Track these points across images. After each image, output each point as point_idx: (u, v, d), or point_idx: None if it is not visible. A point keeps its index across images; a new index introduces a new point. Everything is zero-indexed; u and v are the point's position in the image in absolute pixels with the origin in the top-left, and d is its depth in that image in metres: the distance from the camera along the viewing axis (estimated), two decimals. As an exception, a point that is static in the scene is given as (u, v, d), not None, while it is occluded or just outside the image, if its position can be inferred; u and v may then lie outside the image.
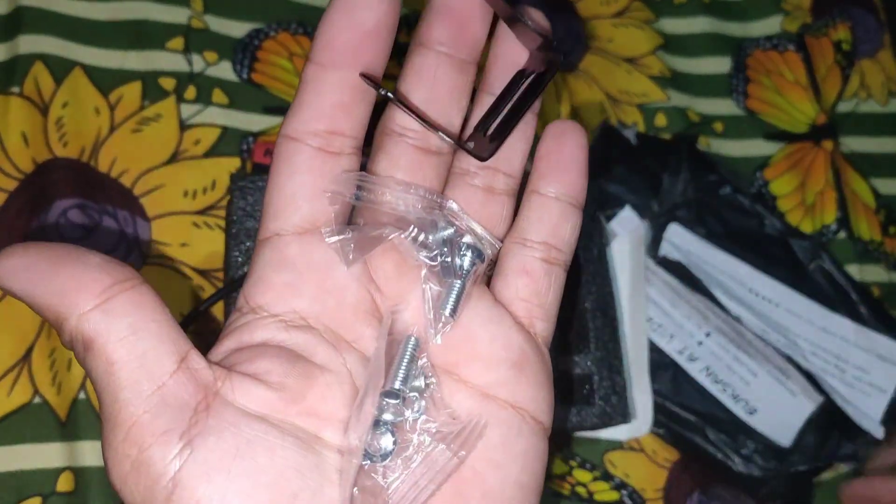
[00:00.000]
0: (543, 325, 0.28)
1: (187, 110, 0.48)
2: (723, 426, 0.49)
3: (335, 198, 0.26)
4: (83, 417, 0.41)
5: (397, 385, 0.25)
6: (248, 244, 0.42)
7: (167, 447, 0.22)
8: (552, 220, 0.28)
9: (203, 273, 0.45)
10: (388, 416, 0.24)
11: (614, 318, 0.45)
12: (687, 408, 0.49)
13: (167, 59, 0.49)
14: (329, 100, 0.26)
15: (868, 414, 0.50)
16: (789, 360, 0.50)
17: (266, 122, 0.49)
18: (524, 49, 0.28)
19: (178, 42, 0.49)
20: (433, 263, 0.26)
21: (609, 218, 0.51)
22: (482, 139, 0.27)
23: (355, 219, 0.27)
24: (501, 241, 0.28)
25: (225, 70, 0.50)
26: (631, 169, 0.53)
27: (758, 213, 0.54)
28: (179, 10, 0.50)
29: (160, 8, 0.50)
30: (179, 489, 0.22)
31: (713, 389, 0.49)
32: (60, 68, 0.46)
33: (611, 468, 0.48)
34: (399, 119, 0.27)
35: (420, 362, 0.25)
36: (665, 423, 0.49)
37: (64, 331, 0.23)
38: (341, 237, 0.25)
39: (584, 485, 0.48)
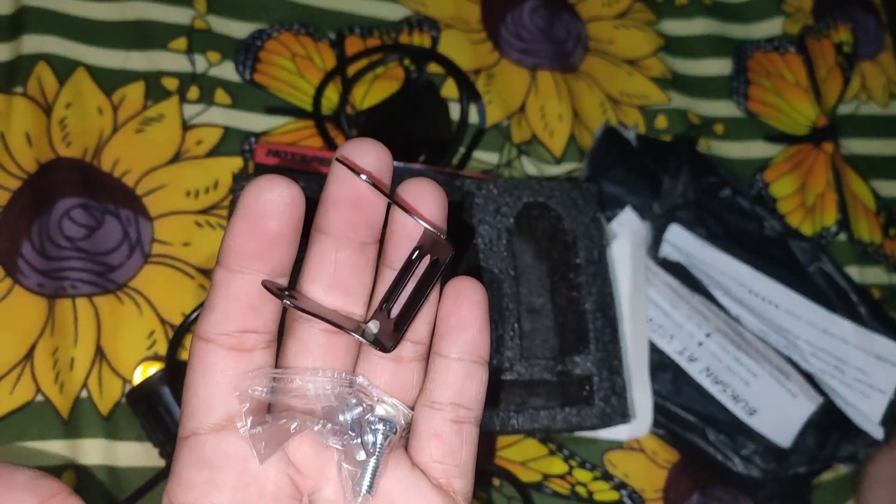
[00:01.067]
0: (461, 483, 0.29)
1: (190, 110, 0.48)
2: (722, 427, 0.49)
3: (244, 396, 0.27)
4: (85, 416, 0.41)
5: None
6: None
7: None
8: (457, 381, 0.29)
9: (205, 272, 0.45)
10: None
11: (614, 319, 0.45)
12: (687, 408, 0.49)
13: (170, 60, 0.49)
14: (238, 303, 0.26)
15: (867, 415, 0.50)
16: (789, 361, 0.50)
17: (268, 122, 0.49)
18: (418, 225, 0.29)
19: (181, 42, 0.50)
20: (346, 445, 0.27)
21: (609, 219, 0.51)
22: (387, 322, 0.28)
23: (271, 409, 0.28)
24: (412, 409, 0.29)
25: (227, 70, 0.50)
26: (631, 170, 0.53)
27: (758, 215, 0.54)
28: (182, 11, 0.50)
29: (163, 8, 0.50)
30: None
31: (713, 390, 0.49)
32: (64, 68, 0.47)
33: (611, 468, 0.48)
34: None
35: None
36: (665, 423, 0.49)
37: None
38: (252, 431, 0.26)
39: (584, 484, 0.48)
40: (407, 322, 0.28)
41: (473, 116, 0.53)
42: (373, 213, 0.27)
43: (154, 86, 0.48)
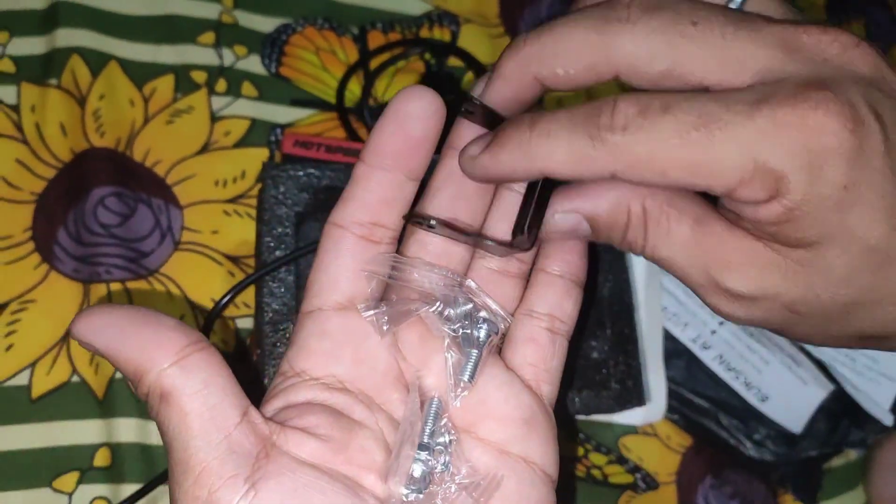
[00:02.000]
0: (549, 388, 0.32)
1: (218, 102, 0.50)
2: (735, 412, 0.50)
3: (371, 276, 0.30)
4: (119, 396, 0.43)
5: (426, 440, 0.28)
6: (279, 230, 0.43)
7: (234, 489, 0.25)
8: (556, 295, 0.32)
9: (233, 259, 0.46)
10: (420, 467, 0.28)
11: (630, 305, 0.46)
12: (700, 394, 0.50)
13: (199, 53, 0.50)
14: (374, 196, 0.30)
15: (877, 402, 0.52)
16: (801, 348, 0.51)
17: (293, 114, 0.51)
18: None
19: (209, 37, 0.51)
20: (455, 334, 0.30)
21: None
22: (520, 234, 0.30)
23: (387, 296, 0.31)
24: (512, 316, 0.32)
25: (254, 64, 0.51)
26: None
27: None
28: (210, 6, 0.52)
29: (192, 4, 0.51)
30: None
31: (726, 377, 0.50)
32: (97, 61, 0.48)
33: (625, 452, 0.50)
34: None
35: (442, 421, 0.29)
36: (679, 409, 0.50)
37: (142, 383, 0.26)
38: (376, 311, 0.29)
39: (599, 467, 0.49)
40: (538, 225, 0.30)
41: (492, 109, 0.54)
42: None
43: (183, 79, 0.50)
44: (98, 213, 0.45)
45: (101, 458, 0.42)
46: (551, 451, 0.30)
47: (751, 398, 0.50)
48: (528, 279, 0.32)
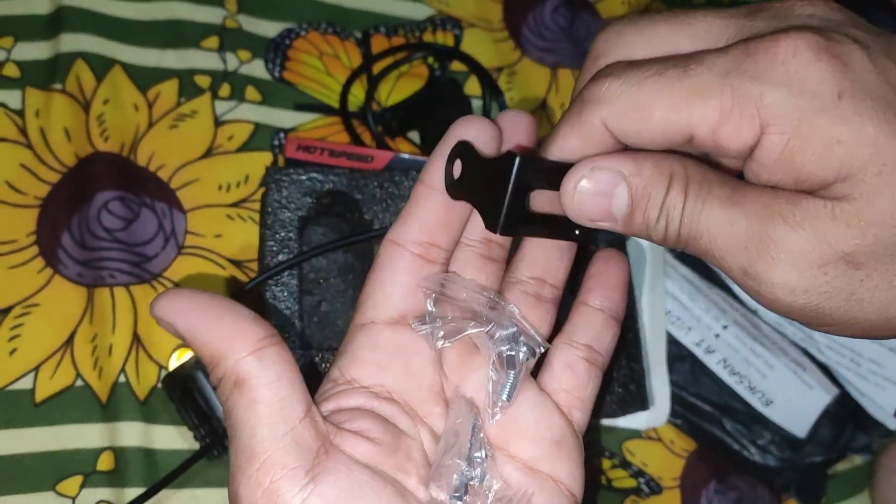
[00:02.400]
0: (580, 416, 0.33)
1: (221, 107, 0.50)
2: (739, 417, 0.50)
3: (427, 293, 0.31)
4: (123, 400, 0.43)
5: (465, 452, 0.29)
6: (282, 234, 0.43)
7: (295, 480, 0.26)
8: (596, 328, 0.34)
9: (236, 263, 0.47)
10: (460, 477, 0.29)
11: (634, 309, 0.46)
12: (704, 399, 0.50)
13: (202, 58, 0.51)
14: (433, 217, 0.31)
15: (882, 406, 0.51)
16: (805, 352, 0.51)
17: (297, 118, 0.51)
18: None
19: (212, 41, 0.51)
20: (499, 355, 0.31)
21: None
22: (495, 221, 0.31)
23: (438, 314, 0.32)
24: (549, 342, 0.33)
25: (258, 68, 0.51)
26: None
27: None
28: (214, 11, 0.52)
29: (196, 8, 0.51)
30: None
31: (730, 381, 0.50)
32: (101, 66, 0.48)
33: (629, 456, 0.50)
34: (466, 232, 0.33)
35: (480, 435, 0.30)
36: (683, 413, 0.50)
37: (218, 368, 0.27)
38: (431, 325, 0.31)
39: (603, 472, 0.49)
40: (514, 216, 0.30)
41: (495, 113, 0.54)
42: None
43: (187, 83, 0.50)
44: (102, 217, 0.45)
45: (105, 462, 0.42)
46: (578, 473, 0.32)
47: (755, 402, 0.50)
48: (558, 304, 0.34)
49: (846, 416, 0.51)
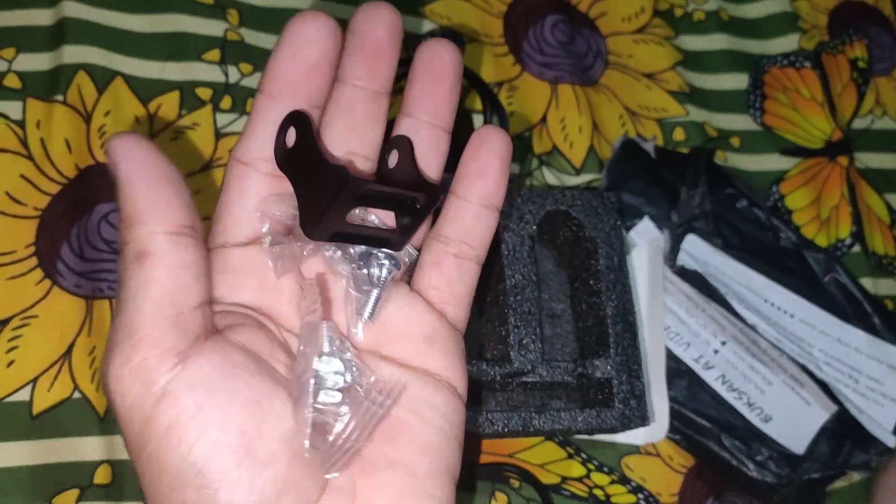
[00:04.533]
0: (455, 310, 0.32)
1: (223, 119, 0.50)
2: (737, 433, 0.50)
3: (265, 216, 0.29)
4: (121, 413, 0.43)
5: (325, 348, 0.28)
6: (281, 248, 0.43)
7: (165, 360, 0.25)
8: (466, 221, 0.32)
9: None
10: (332, 375, 0.28)
11: (634, 324, 0.46)
12: (702, 414, 0.50)
13: (204, 70, 0.51)
14: (276, 128, 0.29)
15: (881, 424, 0.51)
16: (804, 369, 0.51)
17: (297, 131, 0.51)
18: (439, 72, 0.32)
19: (214, 54, 0.51)
20: (353, 275, 0.30)
21: (628, 229, 0.52)
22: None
23: (292, 233, 0.30)
24: (419, 250, 0.32)
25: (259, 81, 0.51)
26: (649, 181, 0.54)
27: (773, 227, 0.55)
28: (216, 24, 0.52)
29: (198, 21, 0.52)
30: (165, 397, 0.25)
31: (728, 397, 0.50)
32: (103, 78, 0.48)
33: (628, 472, 0.49)
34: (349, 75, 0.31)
35: (342, 341, 0.29)
36: (681, 429, 0.50)
37: (129, 231, 0.26)
38: (270, 249, 0.29)
39: (601, 487, 0.49)
40: (417, 226, 0.30)
41: (496, 128, 0.55)
42: (386, 66, 0.30)
43: (189, 95, 0.50)
44: (102, 228, 0.45)
45: (102, 476, 0.41)
46: (455, 364, 0.31)
47: (753, 418, 0.50)
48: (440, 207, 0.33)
49: (845, 433, 0.50)
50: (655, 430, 0.49)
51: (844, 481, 0.52)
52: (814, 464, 0.50)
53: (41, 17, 0.49)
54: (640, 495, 0.49)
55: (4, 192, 0.45)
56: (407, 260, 0.31)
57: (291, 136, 0.29)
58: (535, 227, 0.46)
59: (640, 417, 0.44)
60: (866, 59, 0.64)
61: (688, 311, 0.51)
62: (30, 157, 0.46)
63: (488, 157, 0.32)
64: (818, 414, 0.50)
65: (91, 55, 0.49)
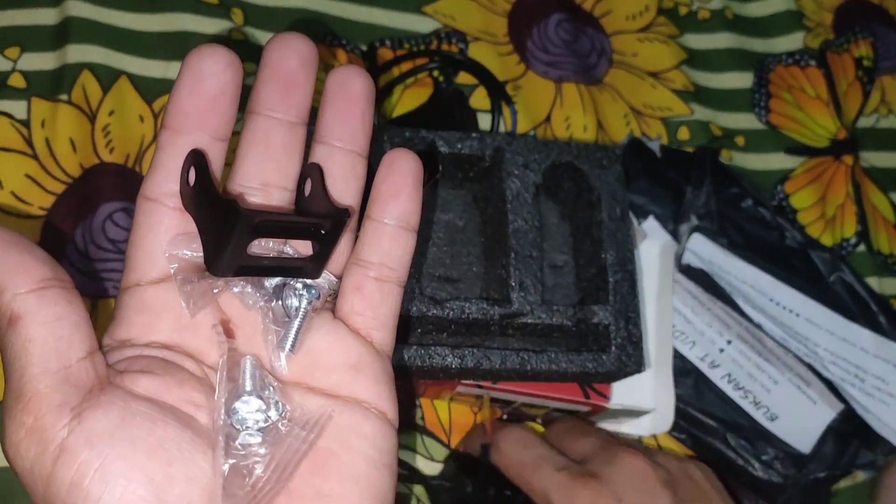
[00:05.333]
0: (380, 335, 0.32)
1: (227, 119, 0.50)
2: (743, 432, 0.50)
3: (174, 257, 0.29)
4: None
5: (248, 387, 0.28)
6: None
7: (59, 417, 0.25)
8: (384, 243, 0.31)
9: (241, 275, 0.46)
10: (253, 415, 0.28)
11: (633, 273, 0.46)
12: (708, 414, 0.50)
13: (208, 70, 0.50)
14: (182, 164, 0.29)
15: (887, 423, 0.51)
16: (810, 368, 0.51)
17: (302, 130, 0.51)
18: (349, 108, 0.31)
19: (218, 53, 0.51)
20: (270, 309, 0.30)
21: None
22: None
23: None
24: (339, 277, 0.32)
25: (263, 80, 0.51)
26: (655, 181, 0.54)
27: (779, 226, 0.55)
28: (221, 23, 0.52)
29: (202, 20, 0.52)
30: (64, 454, 0.25)
31: (734, 396, 0.50)
32: (107, 77, 0.48)
33: (633, 472, 0.49)
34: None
35: (264, 377, 0.29)
36: (686, 428, 0.50)
37: None
38: (181, 289, 0.28)
39: (606, 487, 0.49)
40: (329, 252, 0.30)
41: (503, 127, 0.55)
42: (301, 96, 0.30)
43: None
44: (106, 228, 0.45)
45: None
46: (383, 391, 0.31)
47: (759, 417, 0.50)
48: (356, 231, 0.32)
49: (851, 432, 0.50)
50: (661, 422, 0.49)
51: (850, 480, 0.52)
52: (820, 463, 0.50)
53: (45, 17, 0.49)
54: (646, 495, 0.49)
55: (9, 192, 0.45)
56: (326, 287, 0.31)
57: (192, 176, 0.28)
58: (540, 176, 0.45)
59: (637, 363, 0.44)
60: (871, 57, 0.64)
61: (693, 309, 0.51)
62: (34, 157, 0.46)
63: (401, 177, 0.31)
64: (824, 413, 0.50)
65: (95, 54, 0.49)
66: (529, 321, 0.43)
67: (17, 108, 0.47)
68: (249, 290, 0.29)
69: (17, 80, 0.47)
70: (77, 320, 0.26)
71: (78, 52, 0.48)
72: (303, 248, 0.31)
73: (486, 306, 0.43)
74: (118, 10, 0.50)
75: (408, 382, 0.45)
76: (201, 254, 0.29)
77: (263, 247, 0.30)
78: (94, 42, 0.49)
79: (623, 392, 0.47)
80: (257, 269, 0.29)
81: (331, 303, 0.32)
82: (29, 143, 0.46)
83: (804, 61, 0.63)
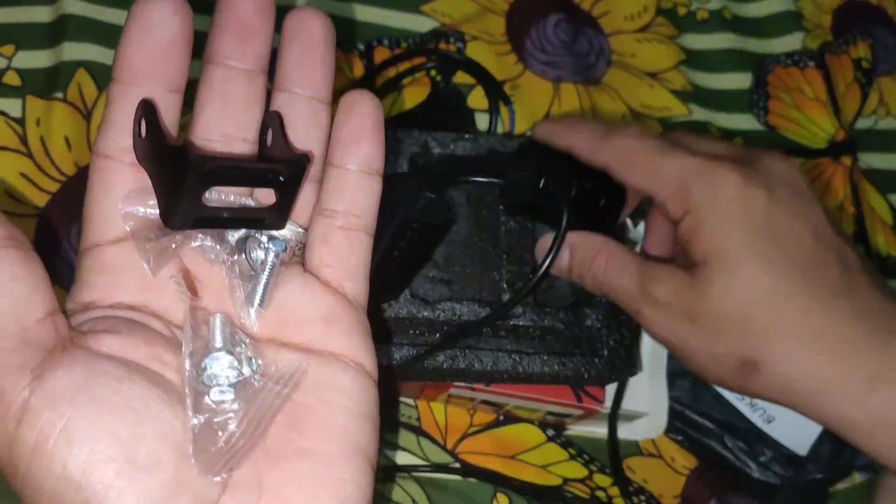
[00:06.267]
0: (353, 285, 0.30)
1: (223, 117, 0.49)
2: (740, 434, 0.50)
3: (129, 215, 0.28)
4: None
5: (218, 344, 0.27)
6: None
7: (19, 379, 0.24)
8: (348, 190, 0.30)
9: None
10: (225, 371, 0.27)
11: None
12: (705, 415, 0.50)
13: (205, 68, 0.50)
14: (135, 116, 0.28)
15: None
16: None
17: (299, 129, 0.51)
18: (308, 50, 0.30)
19: (215, 51, 0.51)
20: (234, 263, 0.28)
21: (635, 224, 0.52)
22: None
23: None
24: (305, 228, 0.31)
25: (260, 79, 0.51)
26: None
27: (777, 227, 0.55)
28: (217, 21, 0.51)
29: (199, 19, 0.51)
30: (26, 416, 0.24)
31: (731, 397, 0.50)
32: (103, 75, 0.48)
33: (629, 474, 0.49)
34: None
35: (234, 333, 0.28)
36: (683, 430, 0.50)
37: None
38: (140, 248, 0.27)
39: (603, 489, 0.49)
40: (291, 201, 0.29)
41: (501, 126, 0.54)
42: (259, 43, 0.29)
43: (189, 94, 0.49)
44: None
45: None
46: (359, 342, 0.30)
47: (756, 419, 0.50)
48: (320, 179, 0.31)
49: (848, 434, 0.50)
50: (654, 426, 0.49)
51: (847, 482, 0.52)
52: (817, 465, 0.50)
53: (41, 14, 0.49)
54: (642, 497, 0.49)
55: (4, 191, 0.45)
56: (293, 239, 0.30)
57: (144, 128, 0.27)
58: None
59: (629, 366, 0.44)
60: (870, 58, 0.64)
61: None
62: (29, 155, 0.46)
63: (359, 119, 0.30)
64: (821, 415, 0.50)
65: (91, 52, 0.48)
66: (522, 323, 0.43)
67: (12, 106, 0.47)
68: (209, 243, 0.28)
69: (11, 78, 0.47)
70: (34, 281, 0.25)
71: (73, 50, 0.48)
72: (266, 199, 0.29)
73: (478, 308, 0.42)
74: (113, 7, 0.50)
75: (390, 382, 0.44)
76: (157, 210, 0.27)
77: (224, 201, 0.28)
78: (89, 40, 0.49)
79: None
80: (215, 220, 0.28)
81: (300, 256, 0.31)
82: (24, 141, 0.46)
83: (803, 62, 0.63)
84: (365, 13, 0.55)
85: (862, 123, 0.63)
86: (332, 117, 0.31)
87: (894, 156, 0.63)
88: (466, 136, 0.45)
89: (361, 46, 0.54)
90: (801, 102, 0.62)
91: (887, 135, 0.63)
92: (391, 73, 0.54)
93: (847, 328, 0.35)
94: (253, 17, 0.29)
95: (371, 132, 0.30)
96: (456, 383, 0.44)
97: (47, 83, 0.47)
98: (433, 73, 0.55)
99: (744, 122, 0.61)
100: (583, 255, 0.40)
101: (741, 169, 0.36)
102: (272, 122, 0.30)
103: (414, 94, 0.54)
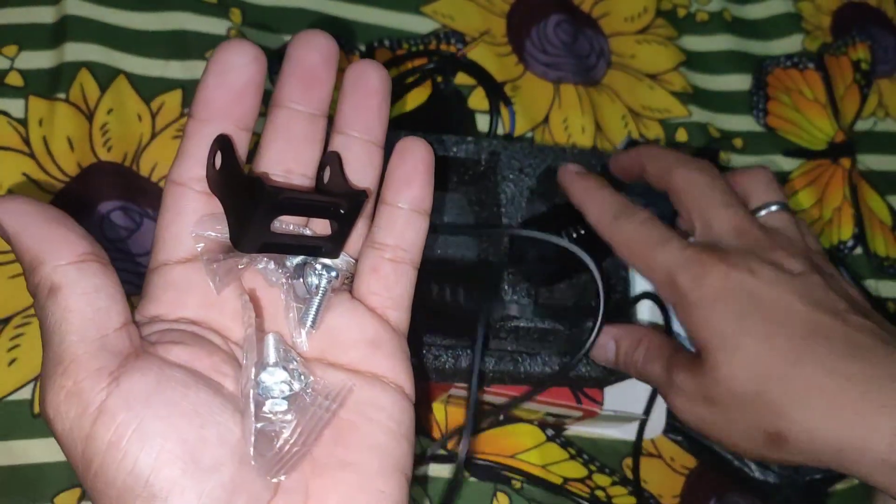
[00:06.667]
0: (396, 314, 0.33)
1: (225, 118, 0.50)
2: (740, 434, 0.50)
3: (200, 237, 0.30)
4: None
5: (272, 360, 0.30)
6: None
7: (98, 381, 0.26)
8: (398, 227, 0.33)
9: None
10: (279, 385, 0.29)
11: (626, 277, 0.46)
12: (705, 416, 0.50)
13: (207, 69, 0.50)
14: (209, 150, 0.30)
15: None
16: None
17: (300, 130, 0.51)
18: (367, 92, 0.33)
19: (217, 52, 0.51)
20: (291, 286, 0.31)
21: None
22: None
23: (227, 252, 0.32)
24: (356, 259, 0.34)
25: (261, 80, 0.51)
26: (652, 182, 0.54)
27: (776, 228, 0.55)
28: (219, 22, 0.52)
29: (201, 19, 0.51)
30: (103, 415, 0.26)
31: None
32: (105, 76, 0.48)
33: (629, 473, 0.49)
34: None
35: (287, 351, 0.30)
36: (683, 430, 0.50)
37: (35, 273, 0.27)
38: (207, 266, 0.30)
39: (603, 489, 0.49)
40: (347, 232, 0.32)
41: (502, 127, 0.55)
42: (322, 90, 0.32)
43: (191, 93, 0.50)
44: (104, 227, 0.45)
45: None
46: (400, 366, 0.32)
47: (755, 420, 0.50)
48: (371, 216, 0.34)
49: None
50: (652, 427, 0.49)
51: (847, 482, 0.52)
52: (816, 465, 0.50)
53: (43, 15, 0.49)
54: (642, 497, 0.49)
55: (6, 191, 0.45)
56: (344, 268, 0.32)
57: (219, 160, 0.30)
58: (534, 180, 0.46)
59: (623, 313, 0.44)
60: (869, 60, 0.64)
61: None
62: (32, 156, 0.46)
63: (414, 164, 0.33)
64: (820, 415, 0.50)
65: (93, 53, 0.49)
66: (523, 324, 0.43)
67: (15, 106, 0.47)
68: (272, 266, 0.31)
69: (14, 79, 0.47)
70: (113, 293, 0.27)
71: (76, 51, 0.48)
72: (322, 230, 0.32)
73: (478, 307, 0.43)
74: (116, 8, 0.50)
75: (424, 385, 0.45)
76: (226, 234, 0.30)
77: (286, 229, 0.32)
78: (92, 41, 0.49)
79: (615, 397, 0.47)
80: (280, 246, 0.30)
81: (348, 284, 0.33)
82: (26, 141, 0.46)
83: (802, 64, 0.63)
84: (366, 14, 0.56)
85: (861, 125, 0.63)
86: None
87: (893, 157, 0.63)
88: (469, 138, 0.45)
89: (362, 47, 0.55)
90: (801, 104, 0.62)
91: (886, 136, 0.64)
92: (392, 73, 0.54)
93: (857, 387, 0.35)
94: (319, 67, 0.32)
95: (422, 175, 0.33)
96: (456, 383, 0.44)
97: (50, 84, 0.48)
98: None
99: (743, 123, 0.61)
100: (626, 348, 0.42)
101: (725, 258, 0.38)
102: (331, 160, 0.32)
103: (415, 96, 0.54)
